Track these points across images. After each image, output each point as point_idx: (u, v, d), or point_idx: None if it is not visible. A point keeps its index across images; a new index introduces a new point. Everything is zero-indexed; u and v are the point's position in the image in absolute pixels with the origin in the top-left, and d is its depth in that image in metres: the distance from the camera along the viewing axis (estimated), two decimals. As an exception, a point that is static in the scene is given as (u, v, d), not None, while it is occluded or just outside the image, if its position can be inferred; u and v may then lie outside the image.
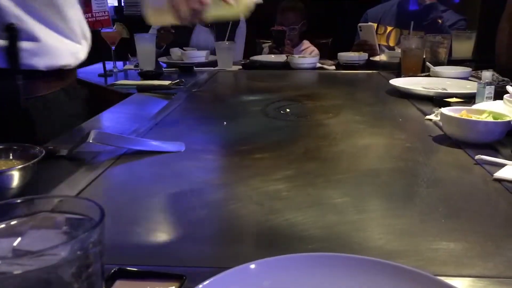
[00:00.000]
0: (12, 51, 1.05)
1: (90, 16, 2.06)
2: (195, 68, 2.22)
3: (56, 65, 1.14)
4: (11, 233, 0.34)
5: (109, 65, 2.23)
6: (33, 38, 1.08)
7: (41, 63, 1.10)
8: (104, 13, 2.08)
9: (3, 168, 0.73)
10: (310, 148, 1.06)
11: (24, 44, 1.06)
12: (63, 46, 1.15)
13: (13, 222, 0.35)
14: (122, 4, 4.27)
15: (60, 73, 1.17)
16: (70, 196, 0.42)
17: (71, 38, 1.17)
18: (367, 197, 0.80)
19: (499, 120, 1.02)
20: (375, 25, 2.60)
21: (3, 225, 0.34)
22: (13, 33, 1.04)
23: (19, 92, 1.08)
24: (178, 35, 2.53)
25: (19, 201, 0.36)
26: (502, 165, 0.88)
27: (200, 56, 2.37)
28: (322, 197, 0.79)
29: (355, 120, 1.30)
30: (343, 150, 1.04)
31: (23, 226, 0.35)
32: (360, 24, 2.48)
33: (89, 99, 1.35)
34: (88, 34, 1.26)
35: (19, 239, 0.33)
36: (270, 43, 2.69)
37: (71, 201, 0.38)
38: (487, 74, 1.35)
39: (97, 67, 2.27)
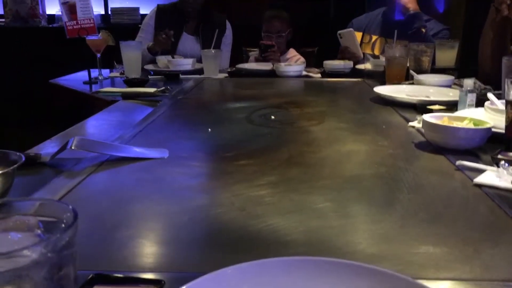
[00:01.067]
0: None
1: (75, 23, 2.05)
2: (181, 76, 2.22)
3: None
4: (-17, 236, 0.33)
5: (95, 72, 2.22)
6: None
7: None
8: (90, 20, 2.07)
9: (-18, 174, 0.72)
10: (294, 154, 1.06)
11: None
12: None
13: (-16, 225, 0.34)
14: (109, 12, 4.25)
15: None
16: (43, 199, 0.42)
17: None
18: (349, 202, 0.80)
19: (479, 127, 1.03)
20: (359, 33, 2.62)
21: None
22: None
23: None
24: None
25: (-10, 204, 0.36)
26: (482, 171, 0.89)
27: (186, 64, 2.37)
28: (305, 203, 0.79)
29: (339, 127, 1.31)
30: (327, 156, 1.05)
31: (-5, 228, 0.34)
32: (340, 31, 2.50)
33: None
34: None
35: (-9, 242, 0.33)
36: (257, 54, 2.70)
37: (44, 204, 0.37)
38: (469, 82, 1.37)
39: (82, 74, 2.26)
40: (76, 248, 0.35)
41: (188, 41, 2.68)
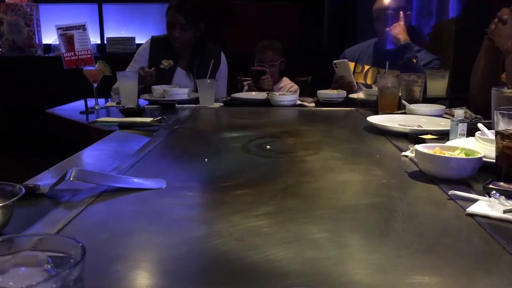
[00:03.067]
0: None
1: (73, 54, 2.09)
2: (177, 105, 2.25)
3: None
4: (-6, 271, 0.34)
5: (91, 102, 2.24)
6: None
7: None
8: (87, 51, 2.10)
9: (-17, 206, 0.73)
10: (290, 184, 1.07)
11: None
12: None
13: (-5, 260, 0.35)
14: (105, 42, 4.32)
15: None
16: (51, 234, 0.43)
17: None
18: (345, 232, 0.81)
19: (471, 157, 1.06)
20: (351, 63, 2.68)
21: (-15, 264, 0.35)
22: None
23: None
24: (159, 78, 2.55)
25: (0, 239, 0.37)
26: (474, 200, 0.91)
27: (182, 93, 2.40)
28: (302, 233, 0.80)
29: (334, 156, 1.33)
30: (323, 186, 1.06)
31: (5, 264, 0.35)
32: (335, 61, 2.56)
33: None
34: None
35: (1, 276, 0.34)
36: (250, 81, 2.75)
37: (52, 239, 0.38)
38: (459, 112, 1.40)
39: (79, 104, 2.28)
40: (84, 283, 0.36)
41: (181, 76, 2.70)
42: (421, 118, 1.70)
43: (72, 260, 0.36)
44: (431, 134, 1.45)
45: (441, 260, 0.70)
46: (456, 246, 0.76)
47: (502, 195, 0.90)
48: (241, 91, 2.79)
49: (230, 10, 4.09)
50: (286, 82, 2.92)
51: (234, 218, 0.86)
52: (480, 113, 1.71)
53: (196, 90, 2.43)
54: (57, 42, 2.11)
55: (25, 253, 0.36)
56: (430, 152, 1.09)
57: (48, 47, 4.21)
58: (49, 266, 0.36)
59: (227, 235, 0.78)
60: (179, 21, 2.58)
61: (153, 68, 2.50)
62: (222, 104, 2.38)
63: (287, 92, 2.63)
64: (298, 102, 2.34)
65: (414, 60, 2.46)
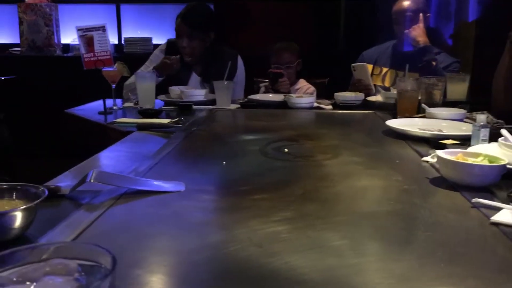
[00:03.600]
0: None
1: (92, 55, 2.10)
2: (193, 107, 2.25)
3: None
4: (25, 279, 0.34)
5: (110, 102, 2.26)
6: None
7: None
8: (106, 52, 2.12)
9: (6, 208, 0.74)
10: (308, 189, 1.07)
11: None
12: None
13: (26, 268, 0.35)
14: (123, 42, 4.35)
15: None
16: (81, 243, 0.43)
17: None
18: (366, 240, 0.80)
19: (494, 164, 1.04)
20: (369, 65, 2.66)
21: (16, 272, 0.35)
22: None
23: None
24: (175, 82, 2.55)
25: (32, 246, 0.37)
26: (498, 209, 0.89)
27: (199, 94, 2.41)
28: (321, 240, 0.80)
29: (352, 161, 1.31)
30: (342, 191, 1.05)
31: (36, 272, 0.35)
32: (353, 64, 2.54)
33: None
34: None
35: (33, 286, 0.34)
36: (267, 83, 2.74)
37: (82, 247, 0.38)
38: (481, 117, 1.38)
39: (98, 104, 2.30)
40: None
41: (196, 82, 2.70)
42: (441, 122, 1.68)
43: (102, 270, 0.36)
44: (452, 139, 1.42)
45: (465, 271, 0.68)
46: (481, 256, 0.74)
47: (527, 204, 0.88)
48: (257, 93, 2.79)
49: (245, 11, 4.09)
50: (303, 83, 2.91)
51: (253, 223, 0.85)
52: (503, 117, 1.68)
53: (213, 92, 2.43)
54: (76, 42, 2.13)
55: (56, 261, 0.36)
56: (453, 158, 1.07)
57: (66, 47, 4.26)
58: (79, 275, 0.36)
59: (246, 241, 0.78)
60: (185, 31, 2.56)
61: (178, 56, 2.49)
62: (239, 105, 2.37)
63: (304, 94, 2.62)
64: (315, 104, 2.33)
65: (434, 63, 2.43)
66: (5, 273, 0.34)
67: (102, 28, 2.07)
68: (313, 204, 0.97)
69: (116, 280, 0.36)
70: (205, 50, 2.63)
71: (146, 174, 1.14)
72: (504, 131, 1.25)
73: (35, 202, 0.73)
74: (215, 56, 2.65)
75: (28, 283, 0.34)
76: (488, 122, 1.52)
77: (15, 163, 3.38)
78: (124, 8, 4.40)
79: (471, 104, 2.01)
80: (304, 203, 0.98)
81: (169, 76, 2.53)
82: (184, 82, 2.64)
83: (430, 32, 2.55)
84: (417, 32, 2.45)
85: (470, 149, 1.21)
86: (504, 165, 1.03)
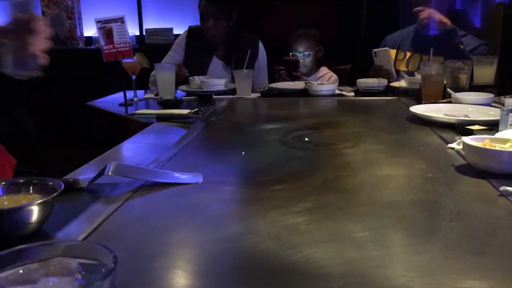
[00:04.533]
0: None
1: (112, 47, 2.11)
2: (214, 96, 2.24)
3: None
4: (25, 280, 0.34)
5: (130, 94, 2.26)
6: None
7: None
8: (125, 44, 2.12)
9: (23, 202, 0.74)
10: (329, 179, 1.04)
11: None
12: None
13: (26, 268, 0.34)
14: (144, 33, 4.36)
15: None
16: (83, 241, 0.42)
17: None
18: (388, 231, 0.78)
19: (523, 150, 0.99)
20: (392, 50, 2.59)
21: (16, 272, 0.34)
22: None
23: None
24: (195, 69, 2.54)
25: (32, 246, 0.36)
26: (528, 197, 0.85)
27: (219, 84, 2.39)
28: (342, 231, 0.77)
29: (375, 149, 1.28)
30: (363, 181, 1.02)
31: (36, 272, 0.35)
32: (374, 50, 2.48)
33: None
34: None
35: (32, 286, 0.33)
36: (283, 71, 2.70)
37: (84, 246, 0.37)
38: (510, 101, 1.33)
39: (118, 96, 2.31)
40: (115, 292, 0.35)
41: (217, 66, 2.69)
42: (468, 107, 1.62)
43: (103, 269, 0.35)
44: (479, 124, 1.37)
45: (493, 263, 0.65)
46: (509, 247, 0.71)
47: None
48: (278, 80, 2.75)
49: (266, -2, 4.04)
50: (324, 71, 2.86)
51: (272, 214, 0.84)
52: (532, 101, 1.61)
53: (233, 81, 2.42)
54: (97, 35, 2.13)
55: (56, 261, 0.35)
56: (480, 144, 1.03)
57: (89, 39, 4.30)
58: (79, 276, 0.35)
59: (265, 233, 0.76)
60: (211, 12, 2.56)
61: (186, 71, 2.49)
62: (259, 94, 2.35)
63: (325, 82, 2.58)
64: (337, 91, 2.29)
65: (461, 46, 2.35)
66: (4, 274, 0.33)
67: (121, 20, 2.07)
68: (333, 194, 0.94)
69: (117, 279, 0.35)
70: (229, 32, 2.62)
71: (165, 166, 1.13)
72: (534, 116, 1.19)
73: (52, 196, 0.73)
74: (237, 39, 2.65)
75: (27, 285, 0.33)
76: (517, 106, 1.46)
77: (41, 155, 3.44)
78: (145, -1, 4.41)
79: (499, 88, 1.93)
80: (324, 193, 0.95)
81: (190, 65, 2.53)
82: (205, 67, 2.63)
83: (455, 13, 2.47)
84: (440, 15, 2.37)
85: (498, 135, 1.16)
86: (535, 152, 0.99)
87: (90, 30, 4.28)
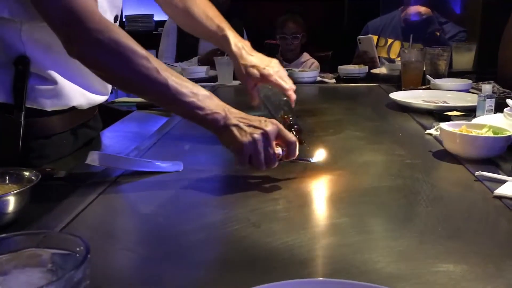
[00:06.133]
0: (20, 86, 1.00)
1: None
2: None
3: (63, 104, 1.08)
4: (-4, 271, 0.33)
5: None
6: (46, 79, 1.04)
7: (48, 103, 1.05)
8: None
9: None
10: (308, 166, 1.05)
11: (34, 82, 1.02)
12: (75, 88, 1.10)
13: (-2, 260, 0.34)
14: (124, 19, 4.30)
15: (70, 114, 1.12)
16: (55, 232, 0.42)
17: (87, 88, 1.13)
18: (366, 217, 0.79)
19: (499, 135, 1.01)
20: (374, 37, 2.61)
21: (-14, 264, 0.34)
22: (24, 67, 1.00)
23: (20, 130, 1.01)
24: (185, 52, 2.54)
25: (4, 237, 0.36)
26: (503, 181, 0.87)
27: (200, 71, 2.38)
28: (320, 218, 0.78)
29: (355, 136, 1.29)
30: (343, 167, 1.03)
31: (8, 264, 0.34)
32: (359, 36, 2.49)
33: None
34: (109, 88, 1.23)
35: (3, 278, 0.33)
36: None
37: (56, 236, 0.37)
38: (487, 87, 1.35)
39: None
40: (88, 282, 0.35)
41: (207, 45, 2.69)
42: (446, 93, 1.64)
43: (76, 259, 0.34)
44: (457, 110, 1.39)
45: (467, 247, 0.67)
46: (483, 231, 0.72)
47: (532, 177, 0.86)
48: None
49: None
50: (306, 57, 2.87)
51: (251, 202, 0.84)
52: (509, 87, 1.64)
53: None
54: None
55: (28, 252, 0.35)
56: (456, 130, 1.04)
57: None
58: (52, 266, 0.34)
59: (244, 220, 0.76)
60: None
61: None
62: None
63: (307, 69, 2.58)
64: (318, 78, 2.29)
65: (437, 33, 2.38)
66: (-27, 267, 0.33)
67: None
68: (313, 181, 0.95)
69: (89, 268, 0.35)
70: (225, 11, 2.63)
71: (145, 154, 1.13)
72: (510, 101, 1.22)
73: (28, 186, 0.72)
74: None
75: (-2, 276, 0.33)
76: (494, 92, 1.48)
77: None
78: (124, -16, 4.34)
79: (477, 74, 1.96)
80: (304, 180, 0.96)
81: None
82: (195, 49, 2.64)
83: (436, 1, 2.49)
84: (418, 4, 2.40)
85: (475, 121, 1.18)
86: (509, 136, 1.01)
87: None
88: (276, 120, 0.95)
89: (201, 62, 2.63)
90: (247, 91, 1.24)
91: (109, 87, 1.23)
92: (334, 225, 0.75)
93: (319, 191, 0.90)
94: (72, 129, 1.16)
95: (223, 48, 1.29)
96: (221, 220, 0.79)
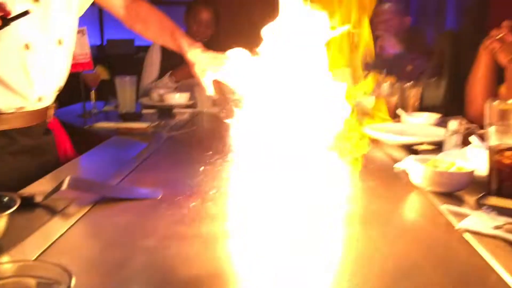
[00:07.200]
0: None
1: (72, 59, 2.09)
2: (175, 110, 2.26)
3: None
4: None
5: (90, 105, 2.25)
6: None
7: None
8: (86, 55, 2.11)
9: (-23, 218, 0.74)
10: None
11: None
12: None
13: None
14: (105, 43, 4.33)
15: None
16: (38, 261, 0.44)
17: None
18: (327, 251, 0.81)
19: (463, 171, 1.07)
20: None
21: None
22: None
23: None
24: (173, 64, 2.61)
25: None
26: (466, 215, 0.91)
27: (180, 98, 2.41)
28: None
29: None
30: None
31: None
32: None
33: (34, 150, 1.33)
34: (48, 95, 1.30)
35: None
36: None
37: (39, 265, 0.39)
38: (453, 123, 1.41)
39: (77, 107, 2.29)
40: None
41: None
42: (416, 127, 1.71)
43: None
44: (425, 144, 1.46)
45: (427, 279, 0.71)
46: (444, 264, 0.76)
47: (493, 210, 0.91)
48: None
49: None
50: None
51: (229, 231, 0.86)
52: (476, 122, 1.72)
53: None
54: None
55: (12, 280, 0.37)
56: (423, 165, 1.10)
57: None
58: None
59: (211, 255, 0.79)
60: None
61: None
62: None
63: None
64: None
65: (410, 68, 2.47)
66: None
67: (82, 32, 2.06)
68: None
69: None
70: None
71: (124, 180, 1.14)
72: (473, 138, 1.28)
73: (6, 212, 0.73)
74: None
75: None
76: (460, 128, 1.55)
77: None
78: (106, 9, 4.38)
79: (446, 109, 2.05)
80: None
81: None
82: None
83: (409, 36, 2.59)
84: (391, 41, 2.50)
85: (441, 155, 1.24)
86: (472, 172, 1.06)
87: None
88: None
89: (176, 76, 2.68)
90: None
91: (35, 90, 1.26)
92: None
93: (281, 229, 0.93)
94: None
95: (179, 50, 1.47)
96: (198, 248, 0.80)
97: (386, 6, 2.61)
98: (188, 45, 1.44)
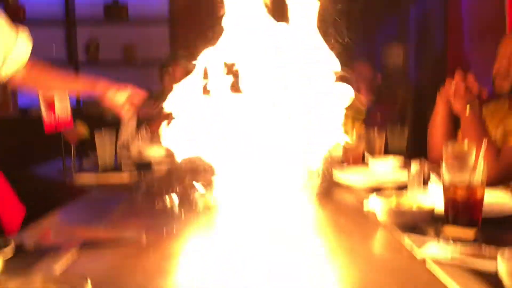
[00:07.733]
0: None
1: (53, 118, 2.14)
2: (154, 165, 2.29)
3: None
4: None
5: (70, 160, 2.30)
6: None
7: None
8: (67, 116, 2.17)
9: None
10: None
11: None
12: None
13: None
14: (81, 104, 4.36)
15: None
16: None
17: None
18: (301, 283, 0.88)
19: (423, 209, 1.18)
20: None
21: None
22: None
23: None
24: None
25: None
26: (427, 245, 1.00)
27: (159, 152, 2.46)
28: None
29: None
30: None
31: None
32: None
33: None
34: None
35: None
36: None
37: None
38: (415, 166, 1.53)
39: (57, 163, 2.33)
40: None
41: None
42: (381, 170, 1.83)
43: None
44: (390, 186, 1.57)
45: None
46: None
47: (451, 239, 1.01)
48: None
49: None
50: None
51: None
52: (438, 165, 1.84)
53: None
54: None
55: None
56: (388, 205, 1.20)
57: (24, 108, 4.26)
58: None
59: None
60: None
61: None
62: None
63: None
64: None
65: (378, 115, 2.66)
66: None
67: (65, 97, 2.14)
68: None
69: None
70: None
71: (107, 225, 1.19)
72: (433, 177, 1.40)
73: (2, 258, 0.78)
74: None
75: None
76: (422, 171, 1.67)
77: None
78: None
79: (409, 153, 2.18)
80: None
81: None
82: None
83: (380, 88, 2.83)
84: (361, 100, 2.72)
85: (405, 196, 1.34)
86: (432, 210, 1.17)
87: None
88: None
89: (152, 128, 2.74)
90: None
91: None
92: None
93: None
94: None
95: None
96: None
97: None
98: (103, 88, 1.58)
